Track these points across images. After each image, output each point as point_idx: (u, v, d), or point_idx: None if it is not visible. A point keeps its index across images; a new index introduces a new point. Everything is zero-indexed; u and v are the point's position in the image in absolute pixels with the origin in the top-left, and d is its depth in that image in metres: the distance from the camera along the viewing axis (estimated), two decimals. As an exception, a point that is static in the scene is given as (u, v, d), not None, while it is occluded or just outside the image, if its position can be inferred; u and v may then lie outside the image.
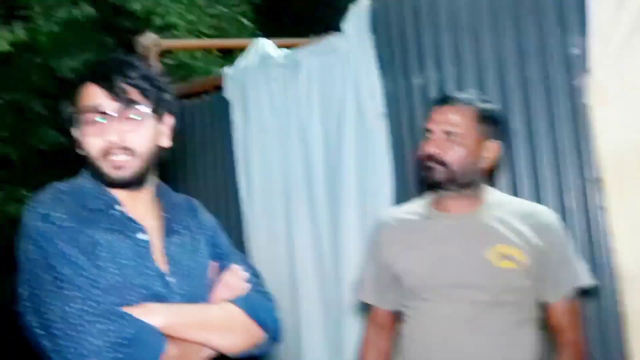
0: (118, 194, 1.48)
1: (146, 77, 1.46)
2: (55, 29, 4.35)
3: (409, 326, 1.97)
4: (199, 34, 4.46)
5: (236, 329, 1.46)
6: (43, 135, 5.59)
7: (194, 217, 1.63)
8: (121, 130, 1.41)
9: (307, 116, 2.95)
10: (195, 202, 1.69)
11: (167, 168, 3.62)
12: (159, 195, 1.59)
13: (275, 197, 3.09)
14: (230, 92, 3.31)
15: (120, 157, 1.42)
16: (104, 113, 1.41)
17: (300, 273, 2.96)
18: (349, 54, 2.78)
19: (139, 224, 1.46)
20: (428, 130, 1.94)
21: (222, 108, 3.41)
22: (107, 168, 1.43)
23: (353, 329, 2.70)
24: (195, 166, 3.62)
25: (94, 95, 1.43)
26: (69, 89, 1.47)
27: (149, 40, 3.58)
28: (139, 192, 1.52)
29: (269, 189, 3.11)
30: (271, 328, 1.52)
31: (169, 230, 1.53)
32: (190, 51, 4.38)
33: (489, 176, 2.07)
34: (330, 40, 2.90)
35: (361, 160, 2.77)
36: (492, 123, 1.94)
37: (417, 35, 2.70)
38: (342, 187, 2.80)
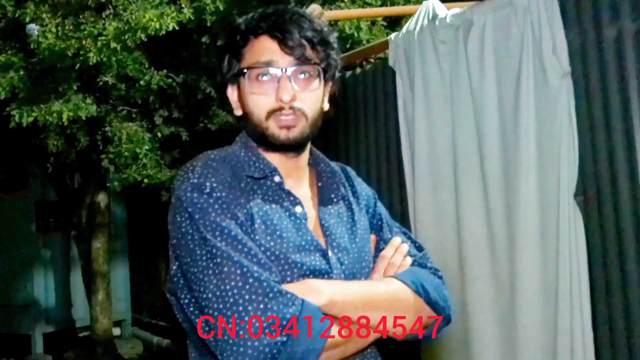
0: (274, 160, 1.37)
1: (319, 33, 1.34)
2: (222, 7, 4.37)
3: None
4: (364, 4, 4.31)
5: (405, 309, 1.30)
6: (213, 115, 5.72)
7: (350, 187, 1.49)
8: (294, 89, 1.31)
9: (479, 80, 2.70)
10: (351, 171, 1.55)
11: (327, 139, 3.53)
12: (313, 163, 1.47)
13: (442, 171, 2.88)
14: (394, 59, 3.13)
15: (289, 117, 1.31)
16: (277, 69, 1.31)
17: (470, 252, 2.74)
18: (528, 5, 2.49)
19: (297, 197, 1.35)
20: None
21: (386, 77, 3.26)
22: (273, 129, 1.32)
23: (527, 312, 2.48)
24: (357, 139, 3.48)
25: (267, 49, 1.32)
26: (233, 43, 1.36)
27: (313, 11, 3.48)
28: (298, 157, 1.40)
29: (436, 162, 2.91)
30: (442, 307, 1.36)
31: (324, 200, 1.42)
32: (354, 23, 4.24)
33: None
34: (507, -7, 2.61)
35: (542, 128, 2.49)
36: None
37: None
38: (519, 158, 2.54)
